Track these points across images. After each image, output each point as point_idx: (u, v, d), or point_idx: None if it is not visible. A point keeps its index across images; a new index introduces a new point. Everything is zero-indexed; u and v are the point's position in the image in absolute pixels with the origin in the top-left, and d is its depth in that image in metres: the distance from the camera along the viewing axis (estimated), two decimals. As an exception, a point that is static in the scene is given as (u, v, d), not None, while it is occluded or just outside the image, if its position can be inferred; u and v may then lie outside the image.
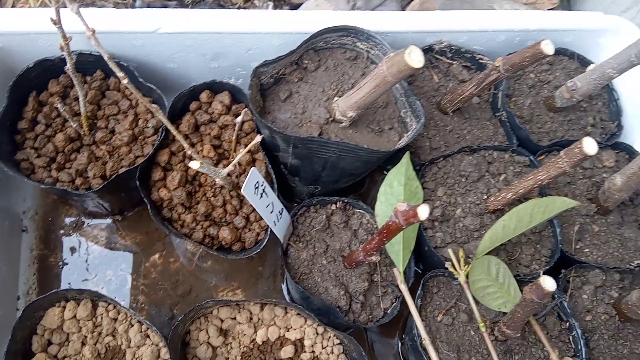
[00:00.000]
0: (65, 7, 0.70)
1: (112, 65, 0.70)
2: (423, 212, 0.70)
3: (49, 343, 0.84)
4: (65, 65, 0.84)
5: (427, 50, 1.11)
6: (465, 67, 1.14)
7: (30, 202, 1.06)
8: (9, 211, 1.02)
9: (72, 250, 1.05)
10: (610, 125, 1.14)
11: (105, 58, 0.69)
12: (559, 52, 1.17)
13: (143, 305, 1.04)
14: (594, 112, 1.15)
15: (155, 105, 0.72)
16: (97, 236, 1.06)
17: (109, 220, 1.08)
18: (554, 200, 0.92)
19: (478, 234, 0.99)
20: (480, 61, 1.12)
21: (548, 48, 0.87)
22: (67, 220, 1.07)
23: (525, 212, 0.91)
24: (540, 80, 1.14)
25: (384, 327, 1.12)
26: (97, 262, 1.05)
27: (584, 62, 1.17)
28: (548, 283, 0.75)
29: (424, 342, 0.88)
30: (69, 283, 1.03)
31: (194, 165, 0.73)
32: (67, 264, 1.04)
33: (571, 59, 1.17)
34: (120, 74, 0.69)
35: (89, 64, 0.97)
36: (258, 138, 0.75)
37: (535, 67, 1.15)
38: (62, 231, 1.06)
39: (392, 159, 1.00)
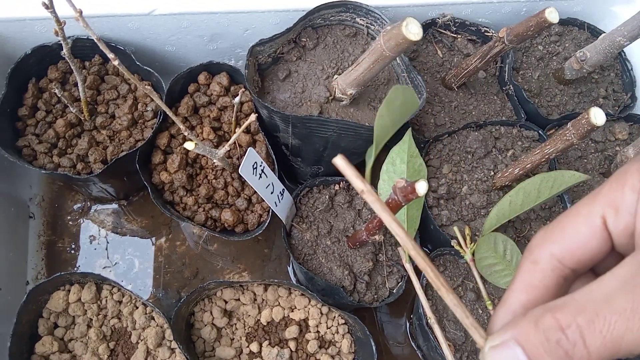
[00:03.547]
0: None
1: (102, 46, 0.69)
2: (421, 187, 0.68)
3: (55, 326, 0.86)
4: (62, 50, 0.84)
5: (430, 24, 1.08)
6: (471, 41, 1.11)
7: (36, 189, 1.07)
8: (15, 198, 1.03)
9: (79, 235, 1.06)
10: (623, 96, 1.10)
11: (95, 39, 0.68)
12: (568, 22, 1.12)
13: (151, 288, 1.04)
14: (606, 84, 1.11)
15: (148, 87, 0.71)
16: (103, 221, 1.07)
17: (115, 205, 1.08)
18: (563, 175, 0.89)
19: (485, 211, 0.97)
20: (486, 34, 1.09)
21: (552, 16, 0.83)
22: (74, 206, 1.08)
23: (533, 187, 0.88)
24: (549, 52, 1.11)
25: (393, 307, 1.12)
26: (105, 246, 1.06)
27: (594, 32, 1.13)
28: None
29: (429, 321, 0.87)
30: (77, 267, 1.04)
31: (189, 146, 0.72)
32: (74, 249, 1.05)
33: (581, 29, 1.13)
34: (110, 55, 0.68)
35: (87, 49, 0.97)
36: (253, 117, 0.74)
37: (543, 38, 1.12)
38: (69, 217, 1.07)
39: (397, 137, 0.98)
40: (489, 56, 0.95)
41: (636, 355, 0.29)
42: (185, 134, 0.76)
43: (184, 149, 0.93)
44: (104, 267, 1.05)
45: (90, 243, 1.06)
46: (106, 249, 1.06)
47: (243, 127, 0.75)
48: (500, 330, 0.32)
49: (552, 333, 0.29)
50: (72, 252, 1.05)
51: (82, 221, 1.07)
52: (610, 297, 0.29)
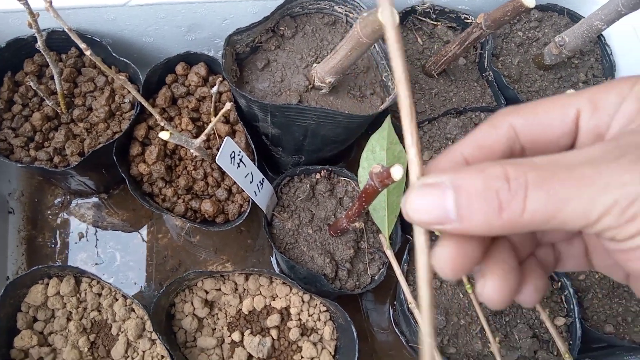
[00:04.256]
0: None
1: (74, 36, 0.68)
2: (397, 172, 0.68)
3: (34, 320, 0.85)
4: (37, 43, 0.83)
5: (410, 12, 1.08)
6: (451, 28, 1.11)
7: (15, 184, 1.06)
8: (-5, 193, 1.03)
9: (60, 229, 1.05)
10: (603, 81, 1.11)
11: (66, 29, 0.68)
12: (548, 7, 1.13)
13: (133, 281, 1.04)
14: (586, 69, 1.11)
15: (122, 77, 0.71)
16: (84, 215, 1.06)
17: (95, 199, 1.08)
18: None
19: (465, 197, 0.97)
20: (466, 21, 1.09)
21: (528, 1, 0.83)
22: (54, 200, 1.07)
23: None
24: (529, 38, 1.11)
25: (377, 295, 1.12)
26: (85, 240, 1.05)
27: (574, 18, 1.13)
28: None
29: (410, 305, 0.87)
30: (58, 262, 1.03)
31: (164, 135, 0.72)
32: (55, 243, 1.05)
33: (561, 15, 1.13)
34: (82, 45, 0.67)
35: (63, 41, 0.96)
36: (228, 105, 0.73)
37: (523, 24, 1.12)
38: (49, 211, 1.06)
39: (379, 124, 0.99)
40: (467, 42, 0.95)
41: (567, 229, 0.26)
42: (162, 124, 0.76)
43: (162, 140, 0.93)
44: (86, 261, 1.04)
45: (71, 237, 1.05)
46: (87, 243, 1.05)
47: (219, 115, 0.74)
48: (439, 171, 0.29)
49: (494, 181, 0.27)
50: (53, 246, 1.04)
51: (62, 215, 1.06)
52: (572, 165, 0.26)
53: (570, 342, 0.91)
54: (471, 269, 0.30)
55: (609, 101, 0.30)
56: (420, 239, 0.31)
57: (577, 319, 0.91)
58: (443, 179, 0.28)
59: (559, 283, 0.95)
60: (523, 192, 0.26)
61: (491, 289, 0.31)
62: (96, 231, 1.06)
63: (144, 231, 1.08)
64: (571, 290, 0.93)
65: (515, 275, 0.32)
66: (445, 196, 0.27)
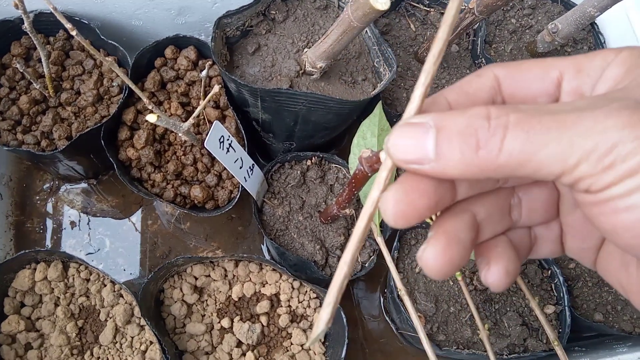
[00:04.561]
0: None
1: (59, 17, 0.67)
2: (386, 157, 0.67)
3: (22, 305, 0.85)
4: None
5: (403, -2, 1.07)
6: (444, 14, 1.10)
7: (3, 168, 1.05)
8: (-18, 178, 1.01)
9: (49, 215, 1.04)
10: (596, 69, 1.10)
11: (51, 8, 0.67)
12: (542, -6, 1.12)
13: (122, 267, 1.03)
14: (579, 57, 1.10)
15: (109, 59, 0.69)
16: (73, 200, 1.05)
17: (84, 184, 1.07)
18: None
19: (456, 184, 0.96)
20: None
21: (521, -15, 0.83)
22: (42, 185, 1.06)
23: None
24: (522, 25, 1.10)
25: (368, 283, 1.12)
26: (74, 226, 1.04)
27: (567, 5, 1.12)
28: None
29: (400, 292, 0.87)
30: (47, 247, 1.02)
31: (151, 118, 0.71)
32: (43, 229, 1.04)
33: (554, 2, 1.13)
34: (68, 25, 0.66)
35: (51, 24, 0.94)
36: (216, 88, 0.72)
37: (516, 12, 1.11)
38: (37, 197, 1.05)
39: (368, 110, 0.98)
40: (459, 28, 0.94)
41: (542, 176, 0.26)
42: (149, 107, 0.75)
43: (151, 124, 0.92)
44: (75, 247, 1.03)
45: (60, 223, 1.04)
46: (76, 228, 1.04)
47: (207, 98, 0.74)
48: (428, 112, 0.29)
49: (475, 119, 0.26)
50: (41, 232, 1.03)
51: (51, 201, 1.05)
52: (556, 111, 0.25)
53: (560, 330, 0.91)
54: (413, 221, 0.29)
55: (593, 65, 0.30)
56: (382, 174, 0.30)
57: (566, 307, 0.91)
58: (427, 119, 0.27)
59: (549, 271, 0.95)
60: (502, 132, 0.25)
61: (430, 255, 0.30)
62: (85, 217, 1.05)
63: (133, 217, 1.07)
64: (561, 278, 0.93)
65: (461, 250, 0.30)
66: (427, 135, 0.27)
